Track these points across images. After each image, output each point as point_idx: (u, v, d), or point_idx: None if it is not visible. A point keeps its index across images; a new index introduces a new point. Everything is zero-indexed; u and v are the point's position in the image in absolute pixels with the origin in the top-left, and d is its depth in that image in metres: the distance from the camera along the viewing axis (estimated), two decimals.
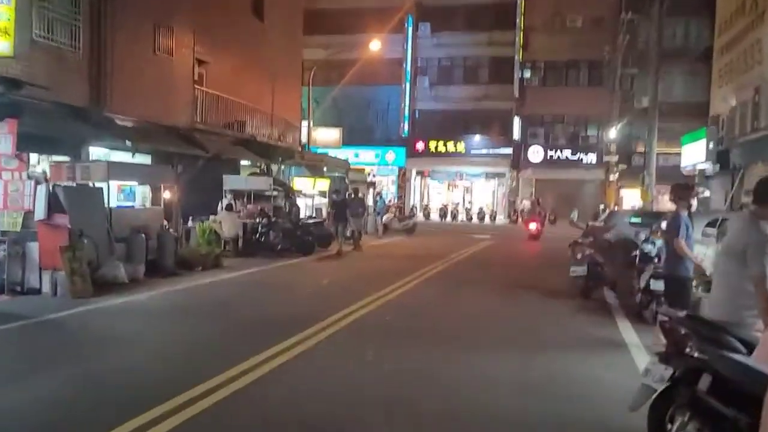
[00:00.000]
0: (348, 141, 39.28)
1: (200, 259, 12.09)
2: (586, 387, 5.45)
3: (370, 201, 24.44)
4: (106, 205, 10.41)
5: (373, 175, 41.08)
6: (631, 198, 34.99)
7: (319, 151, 29.52)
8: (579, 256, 10.17)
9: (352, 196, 18.70)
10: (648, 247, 8.77)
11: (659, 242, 8.82)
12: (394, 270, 12.89)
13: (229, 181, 16.58)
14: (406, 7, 38.50)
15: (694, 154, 21.08)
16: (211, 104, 18.79)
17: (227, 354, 6.14)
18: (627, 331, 7.65)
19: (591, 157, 36.90)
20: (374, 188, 26.20)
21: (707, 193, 7.41)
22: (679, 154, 31.46)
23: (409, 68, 38.85)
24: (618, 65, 34.78)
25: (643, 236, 16.14)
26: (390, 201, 36.68)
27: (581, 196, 37.76)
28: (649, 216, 17.69)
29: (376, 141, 39.61)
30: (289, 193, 19.35)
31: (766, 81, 15.38)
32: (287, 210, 17.05)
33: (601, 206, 32.23)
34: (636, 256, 15.66)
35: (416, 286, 11.10)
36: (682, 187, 7.03)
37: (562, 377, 5.70)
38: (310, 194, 20.86)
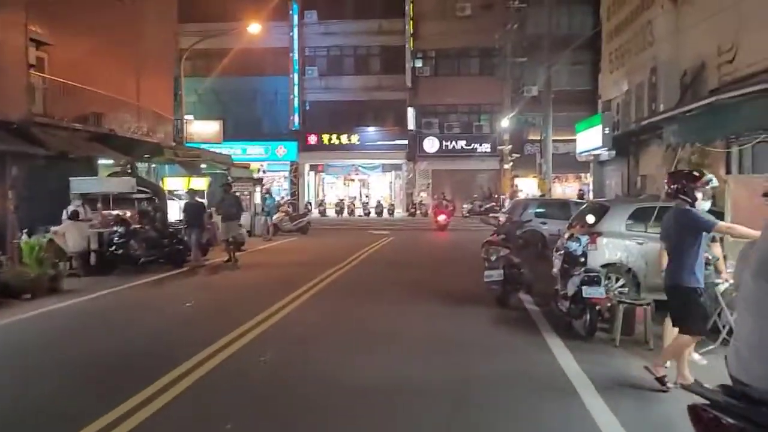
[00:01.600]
0: (234, 136, 36.56)
1: (28, 284, 9.55)
2: None
3: (258, 199, 22.24)
4: None
5: (263, 171, 38.66)
6: (526, 186, 35.00)
7: (203, 147, 26.92)
8: (493, 257, 8.74)
9: (224, 193, 15.55)
10: (573, 246, 7.42)
11: (584, 239, 7.54)
12: (281, 282, 10.96)
13: (78, 184, 13.84)
14: None
15: (589, 141, 20.68)
16: (56, 94, 15.87)
17: None
18: (563, 354, 6.19)
19: (485, 147, 36.59)
20: (262, 185, 23.92)
21: (715, 182, 5.79)
22: (569, 141, 31.69)
23: (296, 57, 36.73)
24: (508, 54, 34.61)
25: (546, 227, 15.46)
26: (282, 198, 34.57)
27: (477, 186, 37.49)
28: (553, 206, 16.97)
29: (265, 135, 37.35)
30: (159, 195, 16.85)
31: (661, 62, 14.88)
32: (152, 214, 14.52)
33: (502, 197, 31.97)
34: (543, 248, 14.83)
35: (305, 303, 9.23)
36: (685, 176, 5.30)
37: None
38: (185, 195, 18.33)
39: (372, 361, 6.16)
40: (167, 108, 23.07)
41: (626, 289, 8.20)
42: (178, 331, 7.59)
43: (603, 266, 8.20)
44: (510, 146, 34.84)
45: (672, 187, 5.23)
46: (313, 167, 39.40)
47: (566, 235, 8.10)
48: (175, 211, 17.74)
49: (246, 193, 22.33)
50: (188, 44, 36.60)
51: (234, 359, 6.18)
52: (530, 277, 8.94)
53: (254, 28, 22.73)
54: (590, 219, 7.90)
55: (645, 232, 8.29)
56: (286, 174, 38.43)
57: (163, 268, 12.78)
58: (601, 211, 8.76)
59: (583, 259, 7.49)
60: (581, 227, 8.84)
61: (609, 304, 7.02)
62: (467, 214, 33.66)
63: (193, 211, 13.90)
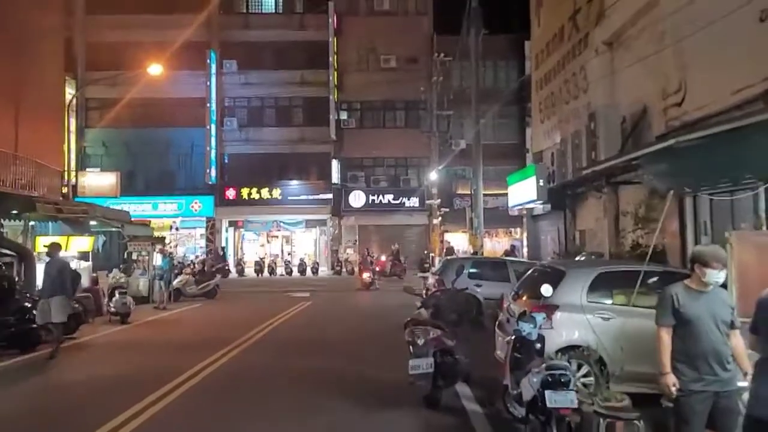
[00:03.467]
0: (145, 191, 33.99)
1: None
2: None
3: (157, 261, 19.49)
4: None
5: (176, 228, 35.69)
6: (456, 242, 33.66)
7: (107, 203, 24.06)
8: (420, 341, 6.63)
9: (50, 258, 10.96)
10: (526, 328, 5.50)
11: (541, 318, 5.64)
12: (139, 379, 8.31)
13: None
14: (207, 42, 34.58)
15: (522, 194, 19.40)
16: None
17: None
18: None
19: (413, 201, 35.20)
20: (163, 245, 21.12)
21: None
22: (498, 195, 30.73)
23: (214, 108, 34.52)
24: (434, 106, 33.82)
25: (480, 289, 13.57)
26: (197, 257, 31.69)
27: (406, 242, 35.84)
28: (487, 266, 15.20)
29: (180, 190, 34.68)
30: (25, 258, 14.04)
31: (599, 108, 13.73)
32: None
33: (431, 254, 30.30)
34: (478, 314, 12.94)
35: (153, 420, 6.57)
36: None
37: None
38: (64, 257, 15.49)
39: None
40: (55, 159, 20.19)
41: (591, 380, 6.32)
42: None
43: (560, 350, 6.33)
44: (439, 200, 33.60)
45: None
46: (232, 223, 36.74)
47: (513, 309, 6.17)
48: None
49: (144, 253, 19.61)
50: (97, 93, 34.34)
51: None
52: (468, 363, 6.95)
53: (155, 69, 20.46)
54: (547, 291, 6.02)
55: (612, 304, 6.52)
56: (203, 231, 35.62)
57: (7, 353, 9.95)
58: (554, 276, 6.93)
59: (539, 346, 5.59)
60: (529, 299, 7.00)
61: (579, 410, 5.08)
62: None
63: None
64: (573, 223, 17.28)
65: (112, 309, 14.16)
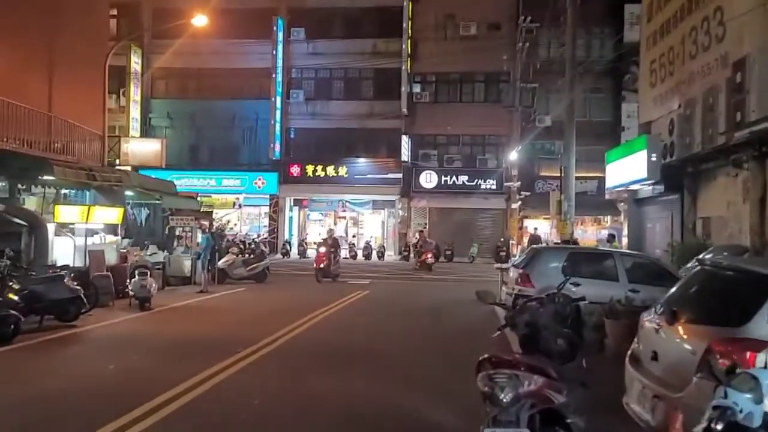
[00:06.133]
0: (209, 164, 32.74)
1: None
2: None
3: (199, 238, 17.49)
4: None
5: (239, 206, 34.26)
6: (538, 229, 30.22)
7: (171, 176, 22.52)
8: (507, 397, 3.69)
9: None
10: (743, 404, 2.59)
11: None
12: (92, 402, 5.88)
13: None
14: (275, 9, 32.55)
15: (625, 172, 16.03)
16: None
17: None
18: None
19: (490, 183, 31.90)
20: (211, 220, 19.09)
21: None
22: (585, 179, 27.05)
23: (279, 79, 32.53)
24: (517, 78, 30.32)
25: (576, 289, 10.20)
26: (258, 236, 30.06)
27: (481, 228, 32.74)
28: (589, 259, 12.05)
29: (243, 165, 33.11)
30: (36, 229, 12.20)
31: (752, 52, 10.25)
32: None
33: (510, 241, 27.18)
34: (575, 322, 9.73)
35: None
36: None
37: None
38: (83, 229, 13.61)
39: None
40: (94, 124, 18.44)
41: None
42: None
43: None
44: (519, 183, 30.19)
45: None
46: (296, 202, 34.89)
47: (719, 362, 3.17)
48: (66, 252, 13.03)
49: (187, 229, 17.69)
50: (162, 62, 33.17)
51: None
52: (585, 430, 4.01)
53: (200, 20, 18.29)
54: None
55: None
56: (267, 209, 34.02)
57: None
58: (744, 286, 3.89)
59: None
60: (696, 324, 3.98)
61: None
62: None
63: None
64: (693, 209, 13.79)
65: (131, 292, 12.12)
